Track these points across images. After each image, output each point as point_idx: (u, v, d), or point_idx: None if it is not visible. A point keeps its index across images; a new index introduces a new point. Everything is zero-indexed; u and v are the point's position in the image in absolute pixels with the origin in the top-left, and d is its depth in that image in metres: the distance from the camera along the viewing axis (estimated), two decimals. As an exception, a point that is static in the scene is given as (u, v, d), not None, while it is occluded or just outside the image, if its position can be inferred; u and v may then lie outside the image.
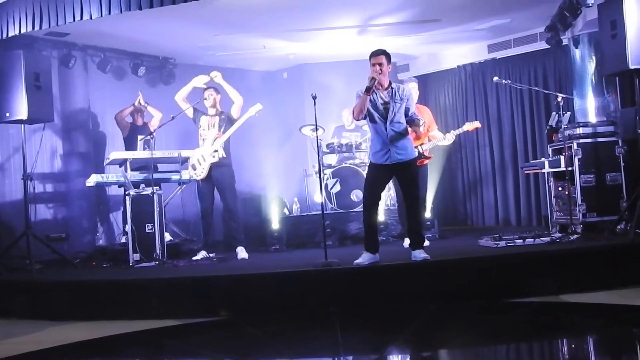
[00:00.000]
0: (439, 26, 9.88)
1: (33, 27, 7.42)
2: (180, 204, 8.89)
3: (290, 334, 5.42)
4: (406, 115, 6.38)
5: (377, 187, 6.43)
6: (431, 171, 8.52)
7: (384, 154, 6.28)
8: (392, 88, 6.32)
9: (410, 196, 6.41)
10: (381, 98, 6.27)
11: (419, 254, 6.25)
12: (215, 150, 7.93)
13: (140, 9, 6.92)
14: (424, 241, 6.58)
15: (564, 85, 10.13)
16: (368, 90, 6.13)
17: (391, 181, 7.22)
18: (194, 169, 8.07)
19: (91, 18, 7.14)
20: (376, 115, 6.28)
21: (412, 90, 7.61)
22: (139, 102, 9.48)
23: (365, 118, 6.35)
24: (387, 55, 6.30)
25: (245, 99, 8.16)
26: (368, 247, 6.36)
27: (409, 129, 6.41)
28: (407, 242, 7.12)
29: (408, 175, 6.39)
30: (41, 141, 8.35)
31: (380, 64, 6.21)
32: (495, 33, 10.51)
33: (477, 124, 8.36)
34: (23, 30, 7.50)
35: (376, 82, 6.17)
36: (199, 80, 8.15)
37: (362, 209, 6.59)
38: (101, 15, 7.07)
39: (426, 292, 5.95)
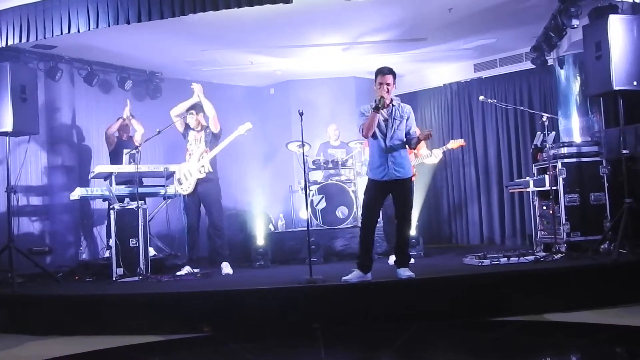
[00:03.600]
0: (425, 45, 9.95)
1: (20, 39, 7.39)
2: (165, 218, 8.85)
3: (274, 351, 5.39)
4: (407, 134, 6.41)
5: (375, 204, 6.44)
6: (416, 189, 8.48)
7: (382, 170, 6.31)
8: (392, 105, 6.36)
9: (402, 215, 6.41)
10: (382, 115, 6.29)
11: (404, 272, 6.26)
12: (202, 166, 7.92)
13: (128, 23, 6.91)
14: (409, 260, 6.58)
15: (548, 105, 10.21)
16: (377, 109, 6.16)
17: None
18: (180, 183, 8.05)
19: (79, 31, 7.13)
20: (377, 131, 6.31)
21: None
22: (126, 114, 9.42)
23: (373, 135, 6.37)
24: (394, 75, 6.36)
25: (232, 115, 8.18)
26: (361, 265, 6.35)
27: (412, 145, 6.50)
28: (392, 259, 7.12)
29: (403, 194, 6.40)
30: (26, 154, 8.30)
31: (388, 84, 6.27)
32: (481, 52, 10.60)
33: (461, 142, 8.41)
34: (10, 42, 7.46)
35: (384, 100, 6.20)
36: (195, 99, 8.14)
37: (359, 227, 6.58)
38: (89, 29, 7.06)
39: (410, 309, 5.93)
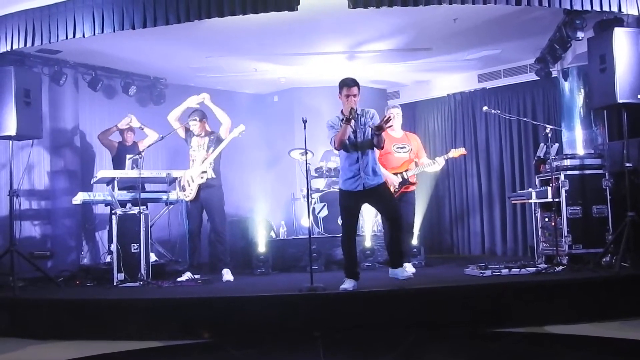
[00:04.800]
0: (430, 55, 9.96)
1: (25, 44, 7.41)
2: (166, 224, 8.85)
3: (274, 358, 5.38)
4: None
5: (352, 215, 6.46)
6: (418, 199, 8.52)
7: (355, 181, 6.33)
8: (357, 114, 6.36)
9: (391, 217, 6.43)
10: (350, 126, 6.29)
11: (402, 273, 6.32)
12: (204, 171, 7.93)
13: (134, 28, 6.92)
14: (403, 259, 6.61)
15: (552, 116, 10.22)
16: (349, 121, 6.19)
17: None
18: (183, 190, 8.06)
19: (84, 36, 7.14)
20: (348, 144, 6.34)
21: (397, 116, 7.71)
22: (129, 124, 9.43)
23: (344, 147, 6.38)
24: (359, 86, 6.39)
25: (235, 121, 8.16)
26: (350, 274, 6.38)
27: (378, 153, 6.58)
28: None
29: (382, 198, 6.43)
30: (29, 158, 8.31)
31: (354, 95, 6.31)
32: (486, 63, 10.61)
33: (462, 151, 8.40)
34: (15, 47, 7.48)
35: (354, 112, 6.22)
36: (192, 101, 8.17)
37: (341, 238, 6.57)
38: (94, 34, 7.07)
39: (411, 319, 5.92)
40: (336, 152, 9.85)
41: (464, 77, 11.36)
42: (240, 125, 8.07)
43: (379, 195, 6.41)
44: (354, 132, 6.32)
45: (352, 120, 6.23)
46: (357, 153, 6.33)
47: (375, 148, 6.43)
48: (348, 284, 6.27)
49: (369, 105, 6.66)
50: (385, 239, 8.32)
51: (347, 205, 6.45)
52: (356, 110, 6.26)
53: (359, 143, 6.33)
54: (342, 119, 6.30)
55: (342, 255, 6.58)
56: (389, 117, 6.31)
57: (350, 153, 6.36)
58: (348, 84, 6.34)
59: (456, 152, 8.30)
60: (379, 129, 6.21)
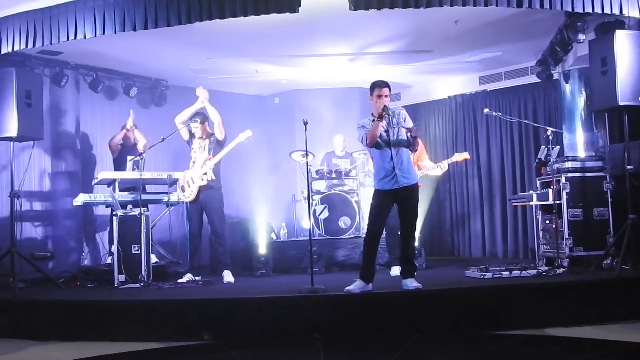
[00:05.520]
0: (431, 57, 9.97)
1: (26, 45, 7.40)
2: (167, 225, 8.85)
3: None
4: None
5: (383, 214, 6.45)
6: (420, 200, 8.50)
7: (391, 179, 6.33)
8: (389, 115, 6.38)
9: (409, 223, 6.44)
10: (382, 126, 6.33)
11: (411, 283, 6.26)
12: (205, 173, 7.93)
13: (135, 29, 6.92)
14: (416, 270, 6.58)
15: (553, 119, 10.22)
16: (381, 117, 6.23)
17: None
18: (183, 190, 8.07)
19: (85, 37, 7.14)
20: (381, 142, 6.35)
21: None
22: (130, 124, 9.43)
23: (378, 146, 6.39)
24: (389, 87, 6.47)
25: (236, 123, 8.20)
26: (364, 275, 6.34)
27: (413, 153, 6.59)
28: (394, 270, 7.11)
29: (411, 201, 6.43)
30: (30, 159, 8.29)
31: (386, 96, 6.36)
32: (487, 65, 10.61)
33: (466, 155, 8.41)
34: (16, 48, 7.47)
35: (388, 109, 6.26)
36: (199, 105, 8.17)
37: (364, 237, 6.56)
38: (95, 35, 7.07)
39: (411, 321, 5.92)
40: (339, 152, 10.00)
41: (465, 79, 11.37)
42: (246, 131, 8.09)
43: (410, 198, 6.42)
44: (386, 131, 6.35)
45: (384, 119, 6.27)
46: (390, 150, 6.34)
47: (409, 149, 6.47)
48: (355, 286, 6.24)
49: (368, 107, 6.67)
50: (387, 245, 8.36)
51: (379, 205, 6.43)
52: (388, 109, 6.28)
53: (392, 141, 6.35)
54: (373, 120, 6.34)
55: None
56: (413, 128, 6.36)
57: (383, 150, 6.36)
58: (379, 85, 6.41)
59: (459, 157, 8.32)
60: (411, 132, 6.33)
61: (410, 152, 6.50)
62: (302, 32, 8.49)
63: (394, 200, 6.45)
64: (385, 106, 6.25)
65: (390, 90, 6.45)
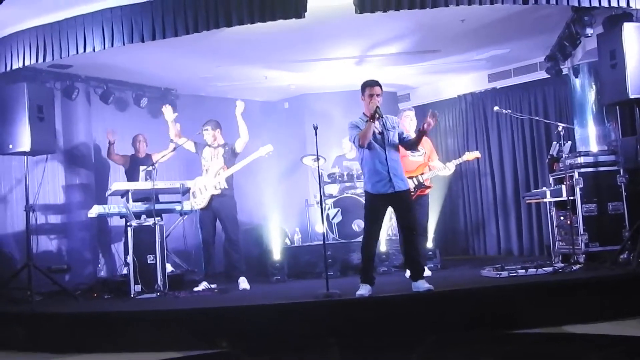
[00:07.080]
0: (439, 56, 9.95)
1: (37, 60, 7.47)
2: (181, 234, 8.88)
3: (292, 366, 5.39)
4: (402, 140, 6.48)
5: (379, 218, 6.45)
6: (432, 201, 8.51)
7: (386, 183, 6.31)
8: (382, 118, 6.38)
9: (409, 226, 6.43)
10: (376, 128, 6.33)
11: (422, 285, 6.24)
12: (219, 182, 7.97)
13: (143, 41, 6.98)
14: (424, 271, 6.56)
15: (564, 114, 10.16)
16: (373, 117, 6.21)
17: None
18: (195, 197, 8.10)
19: (94, 50, 7.20)
20: (375, 144, 6.34)
21: (409, 118, 7.72)
22: (113, 138, 9.48)
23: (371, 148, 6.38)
24: (381, 87, 6.47)
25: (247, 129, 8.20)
26: (368, 279, 6.36)
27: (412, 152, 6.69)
28: (409, 272, 7.09)
29: (405, 204, 6.41)
30: (44, 173, 8.35)
31: (378, 95, 6.36)
32: (495, 63, 10.58)
33: (477, 154, 8.39)
34: (27, 63, 7.54)
35: (380, 110, 6.24)
36: (168, 114, 8.32)
37: (361, 241, 6.57)
38: (104, 48, 7.13)
39: (427, 323, 5.91)
40: (349, 154, 9.99)
41: (474, 78, 11.34)
42: (267, 145, 8.13)
43: (404, 201, 6.41)
44: (380, 133, 6.35)
45: (377, 120, 6.25)
46: (384, 153, 6.33)
47: (408, 149, 6.55)
48: (364, 290, 6.27)
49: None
50: (401, 247, 8.34)
51: (375, 209, 6.43)
52: (380, 110, 6.26)
53: (388, 146, 6.35)
54: (366, 120, 6.32)
55: (360, 260, 6.56)
56: (432, 117, 6.29)
57: (376, 152, 6.34)
58: (370, 84, 6.43)
59: (470, 155, 8.30)
60: (422, 133, 6.36)
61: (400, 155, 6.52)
62: (309, 36, 8.50)
63: (389, 204, 6.44)
64: (377, 107, 6.23)
65: (382, 89, 6.44)
